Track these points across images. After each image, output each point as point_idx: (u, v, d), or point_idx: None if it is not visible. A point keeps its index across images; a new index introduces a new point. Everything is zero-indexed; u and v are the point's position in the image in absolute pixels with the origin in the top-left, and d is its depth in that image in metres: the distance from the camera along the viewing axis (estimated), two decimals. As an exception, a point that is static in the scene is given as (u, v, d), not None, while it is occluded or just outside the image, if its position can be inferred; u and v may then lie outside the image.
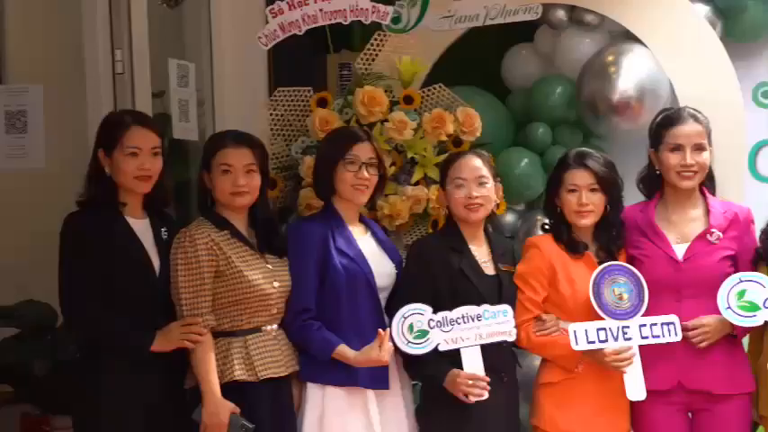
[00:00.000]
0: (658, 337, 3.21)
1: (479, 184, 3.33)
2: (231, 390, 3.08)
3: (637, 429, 3.37)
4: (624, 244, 3.39)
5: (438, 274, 3.29)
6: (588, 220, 3.33)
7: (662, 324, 3.21)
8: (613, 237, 3.37)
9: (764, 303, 3.14)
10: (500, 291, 3.31)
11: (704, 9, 4.38)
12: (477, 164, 3.36)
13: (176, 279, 3.10)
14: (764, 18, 4.52)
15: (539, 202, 4.46)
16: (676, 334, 3.20)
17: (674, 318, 3.21)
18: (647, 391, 3.22)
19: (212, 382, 3.06)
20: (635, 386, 3.19)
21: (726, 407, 3.27)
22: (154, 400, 3.07)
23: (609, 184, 3.33)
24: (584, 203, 3.31)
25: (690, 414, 3.34)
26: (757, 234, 3.38)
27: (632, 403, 3.26)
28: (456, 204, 3.34)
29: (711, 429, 3.30)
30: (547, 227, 3.47)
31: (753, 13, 4.47)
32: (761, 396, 3.32)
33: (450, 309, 3.18)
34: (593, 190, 3.31)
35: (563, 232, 3.36)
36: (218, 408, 3.04)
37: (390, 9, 4.00)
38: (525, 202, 4.57)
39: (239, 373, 3.10)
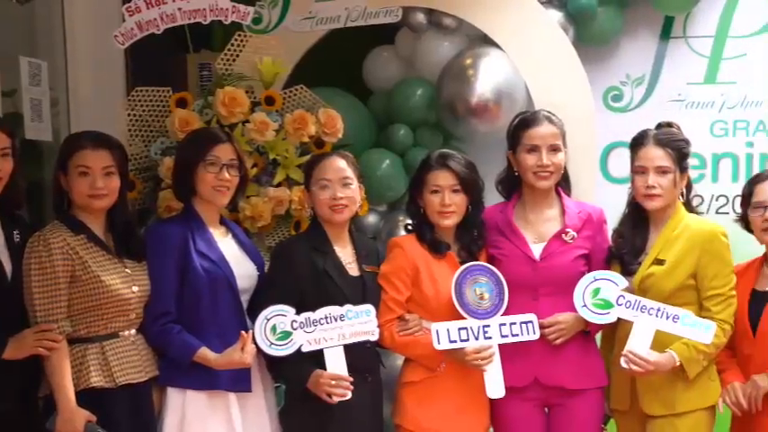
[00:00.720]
0: (517, 335, 3.28)
1: (344, 185, 3.34)
2: (88, 397, 3.00)
3: (496, 425, 3.44)
4: (485, 244, 3.46)
5: (302, 275, 3.28)
6: (450, 221, 3.38)
7: (521, 323, 3.29)
8: (475, 237, 3.43)
9: (617, 301, 3.24)
10: (364, 292, 3.33)
11: (557, 15, 4.51)
12: (341, 165, 3.37)
13: (30, 284, 3.00)
14: (613, 24, 4.69)
15: (401, 202, 4.50)
16: (534, 332, 3.29)
17: (532, 316, 3.29)
18: (506, 387, 3.29)
19: (67, 390, 2.97)
20: (494, 384, 3.26)
21: (579, 401, 3.37)
22: (7, 407, 2.97)
23: (470, 185, 3.39)
24: (447, 204, 3.35)
25: (546, 409, 3.43)
26: (609, 234, 3.50)
27: (491, 400, 3.33)
28: (321, 205, 3.34)
29: (566, 423, 3.39)
30: (410, 227, 3.51)
31: (602, 19, 4.63)
32: (612, 390, 3.44)
33: (314, 310, 3.18)
34: (455, 191, 3.37)
35: (426, 232, 3.40)
36: (73, 416, 2.96)
37: (251, 9, 3.96)
38: (387, 203, 4.61)
39: (96, 380, 3.03)
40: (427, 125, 4.52)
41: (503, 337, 3.27)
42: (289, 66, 4.22)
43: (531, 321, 3.29)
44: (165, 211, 3.76)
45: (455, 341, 3.23)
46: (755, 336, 3.28)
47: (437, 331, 3.21)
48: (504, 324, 3.28)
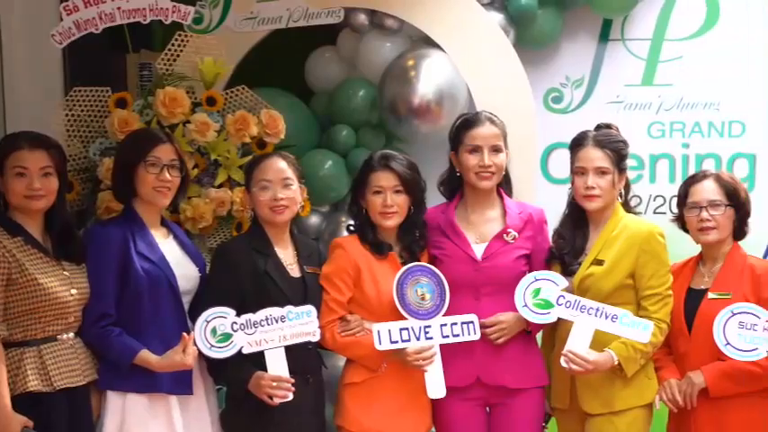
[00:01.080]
0: (458, 335, 3.30)
1: (284, 186, 3.33)
2: (25, 402, 2.96)
3: (438, 425, 3.46)
4: (427, 244, 3.47)
5: (243, 276, 3.26)
6: (392, 222, 3.39)
7: (462, 323, 3.31)
8: (416, 238, 3.45)
9: (557, 301, 3.27)
10: (305, 293, 3.32)
11: (498, 17, 4.53)
12: (281, 166, 3.36)
13: (-35, 288, 2.95)
14: (553, 26, 4.74)
15: (343, 203, 4.50)
16: (475, 332, 3.31)
17: (473, 317, 3.31)
18: (447, 388, 3.31)
19: (2, 396, 2.92)
20: (435, 384, 3.27)
21: (520, 400, 3.40)
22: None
23: (413, 186, 3.40)
24: (389, 205, 3.36)
25: (487, 408, 3.46)
26: (550, 234, 3.54)
27: (433, 399, 3.34)
28: (261, 206, 3.33)
29: (507, 422, 3.42)
30: (352, 228, 3.51)
31: (542, 21, 4.67)
32: (553, 389, 3.48)
33: (255, 311, 3.16)
34: (397, 192, 3.38)
35: (368, 233, 3.41)
36: (9, 421, 2.91)
37: (191, 9, 3.92)
38: (329, 204, 4.60)
39: (33, 384, 2.98)
40: (369, 126, 4.52)
41: (444, 337, 3.28)
42: (230, 66, 4.19)
43: (472, 322, 3.31)
44: (104, 213, 3.71)
45: (396, 342, 3.23)
46: (691, 333, 3.34)
47: (378, 332, 3.22)
48: (446, 324, 3.29)
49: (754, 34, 4.76)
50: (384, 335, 3.22)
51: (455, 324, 3.30)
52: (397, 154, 3.47)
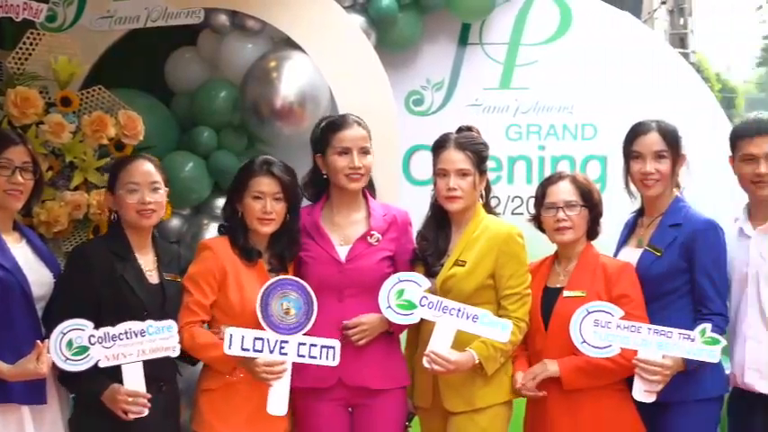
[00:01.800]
0: (315, 358, 3.25)
1: (153, 189, 3.28)
2: None
3: (299, 426, 3.46)
4: (299, 251, 3.46)
5: (99, 280, 3.19)
6: (270, 228, 3.38)
7: (322, 346, 3.26)
8: (289, 244, 3.43)
9: (420, 302, 3.31)
10: (164, 300, 3.27)
11: (359, 19, 4.57)
12: (149, 169, 3.31)
13: None
14: (414, 29, 4.80)
15: (205, 205, 4.45)
16: (334, 359, 3.25)
17: (335, 343, 3.27)
18: (309, 389, 3.33)
19: None
20: (277, 401, 3.22)
21: (383, 401, 3.43)
22: None
23: (292, 194, 3.40)
24: (269, 212, 3.35)
25: (350, 409, 3.47)
26: (414, 235, 3.58)
27: (294, 401, 3.33)
28: (128, 209, 3.26)
29: (369, 422, 3.45)
30: (223, 228, 3.47)
31: (403, 24, 4.73)
32: (416, 388, 3.52)
33: (112, 317, 3.09)
34: (277, 199, 3.36)
35: (239, 237, 3.38)
36: None
37: (44, 7, 3.83)
38: (191, 207, 4.54)
39: None
40: (231, 127, 4.48)
41: (299, 356, 3.24)
42: (86, 66, 4.10)
43: (332, 348, 3.26)
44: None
45: (247, 349, 3.19)
46: (547, 330, 3.44)
47: (231, 335, 3.17)
48: (304, 344, 3.24)
49: (606, 39, 4.94)
50: (236, 339, 3.18)
51: (314, 346, 3.25)
52: (278, 160, 3.45)
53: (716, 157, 3.90)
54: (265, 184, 3.37)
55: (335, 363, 3.26)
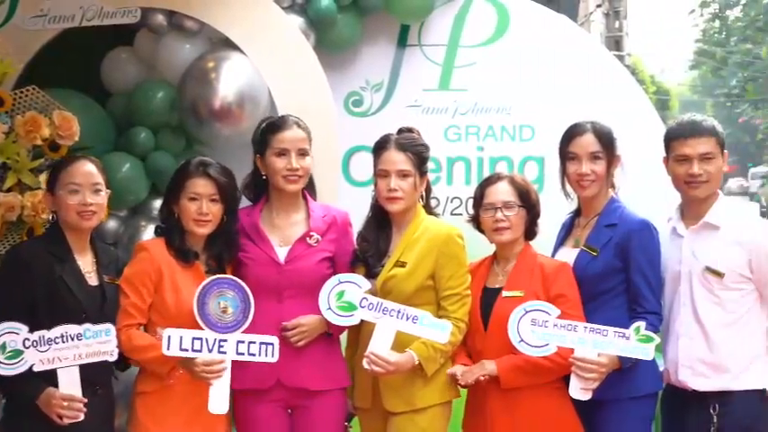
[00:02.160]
0: (254, 355, 3.24)
1: (94, 191, 3.26)
2: None
3: (238, 427, 3.45)
4: (237, 253, 3.44)
5: (35, 281, 3.15)
6: (206, 229, 3.36)
7: (260, 343, 3.25)
8: (226, 246, 3.42)
9: (360, 303, 3.31)
10: (102, 302, 3.23)
11: (298, 20, 4.55)
12: (91, 170, 3.28)
13: None
14: (353, 30, 4.80)
15: (142, 207, 4.40)
16: (273, 356, 3.24)
17: (273, 339, 3.26)
18: (248, 390, 3.32)
19: None
20: (218, 399, 3.21)
21: (322, 402, 3.43)
22: None
23: (229, 195, 3.38)
24: (205, 213, 3.33)
25: (289, 410, 3.46)
26: (354, 236, 3.58)
27: (234, 403, 3.32)
28: (68, 210, 3.22)
29: (308, 424, 3.44)
30: (159, 230, 3.44)
31: (342, 25, 4.72)
32: (356, 389, 3.53)
33: (49, 319, 3.05)
34: (213, 200, 3.34)
35: (175, 239, 3.36)
36: None
37: (-27, 5, 3.75)
38: (128, 208, 4.48)
39: None
40: (169, 128, 4.44)
41: (238, 354, 3.22)
42: (19, 65, 4.03)
43: (271, 344, 3.25)
44: None
45: (186, 350, 3.17)
46: (487, 330, 3.46)
47: (169, 336, 3.15)
48: (243, 342, 3.23)
49: (543, 42, 4.99)
50: (174, 340, 3.16)
51: (253, 343, 3.24)
52: (215, 162, 3.43)
53: (650, 157, 3.97)
54: (201, 186, 3.34)
55: (275, 359, 3.24)
